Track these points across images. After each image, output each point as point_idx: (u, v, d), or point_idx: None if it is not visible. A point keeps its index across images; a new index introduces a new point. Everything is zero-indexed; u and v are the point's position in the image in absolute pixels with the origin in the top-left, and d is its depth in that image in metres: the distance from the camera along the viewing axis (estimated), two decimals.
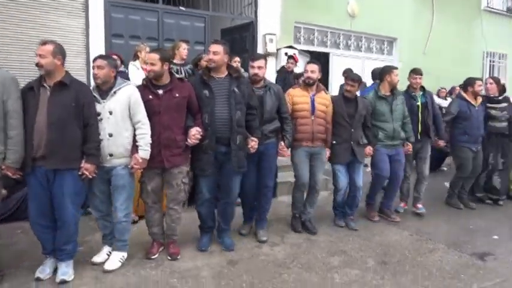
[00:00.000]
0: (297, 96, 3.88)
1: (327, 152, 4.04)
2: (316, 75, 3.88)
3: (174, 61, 5.14)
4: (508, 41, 10.77)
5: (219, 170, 3.41)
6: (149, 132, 3.04)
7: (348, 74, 4.50)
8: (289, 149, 3.85)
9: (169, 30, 6.19)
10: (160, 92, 3.13)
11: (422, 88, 4.61)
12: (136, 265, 3.20)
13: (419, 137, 4.54)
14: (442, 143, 4.76)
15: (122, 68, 5.23)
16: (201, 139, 3.20)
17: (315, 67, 3.89)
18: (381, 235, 4.08)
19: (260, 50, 6.91)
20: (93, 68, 2.95)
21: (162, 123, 3.10)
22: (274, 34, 6.91)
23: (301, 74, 6.66)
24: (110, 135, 2.93)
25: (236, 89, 3.28)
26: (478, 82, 4.91)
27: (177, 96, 3.14)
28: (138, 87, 3.15)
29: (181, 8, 6.30)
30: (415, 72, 4.58)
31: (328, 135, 4.00)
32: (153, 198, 3.28)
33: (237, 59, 5.71)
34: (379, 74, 4.41)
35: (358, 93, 4.34)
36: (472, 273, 3.28)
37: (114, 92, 2.97)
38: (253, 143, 3.38)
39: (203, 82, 3.28)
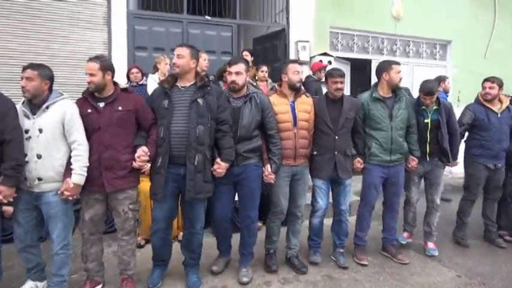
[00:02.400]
0: (276, 105, 3.18)
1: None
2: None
3: None
4: None
5: (180, 194, 2.93)
6: (86, 154, 2.66)
7: (330, 70, 3.62)
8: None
9: (195, 41, 5.88)
10: (101, 105, 2.73)
11: (438, 101, 3.64)
12: None
13: (427, 159, 3.66)
14: (455, 163, 3.82)
15: (143, 81, 5.07)
16: (153, 158, 2.77)
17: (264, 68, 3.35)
18: (420, 274, 3.36)
19: (292, 58, 6.41)
20: (22, 79, 2.59)
21: (103, 141, 2.69)
22: (308, 41, 6.38)
23: None
24: (39, 156, 2.56)
25: (200, 100, 2.79)
26: (487, 83, 3.86)
27: (119, 110, 2.72)
28: (78, 100, 2.78)
29: (206, 17, 6.02)
30: (424, 92, 3.55)
31: (309, 146, 3.32)
32: (91, 229, 2.82)
33: (264, 68, 5.30)
34: (376, 72, 3.59)
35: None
36: None
37: (47, 107, 2.60)
38: (217, 167, 2.85)
39: (164, 91, 2.86)
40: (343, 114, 3.30)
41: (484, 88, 3.89)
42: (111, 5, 5.36)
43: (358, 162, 3.43)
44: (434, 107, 3.63)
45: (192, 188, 2.78)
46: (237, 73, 3.00)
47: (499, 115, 3.84)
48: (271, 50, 6.74)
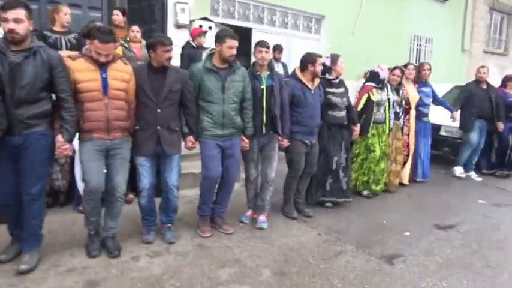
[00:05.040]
0: (79, 72, 2.73)
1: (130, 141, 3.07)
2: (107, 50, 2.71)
3: (54, 28, 4.27)
4: (434, 26, 10.84)
5: None
6: None
7: (159, 37, 3.18)
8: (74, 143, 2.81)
9: None
10: None
11: (270, 67, 3.57)
12: None
13: (264, 130, 3.57)
14: (285, 142, 3.71)
15: None
16: None
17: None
18: (286, 236, 3.58)
19: (171, 20, 6.08)
20: None
21: None
22: (187, 3, 6.10)
23: None
24: None
25: None
26: (319, 60, 3.82)
27: None
28: None
29: None
30: (259, 44, 3.50)
31: (129, 119, 3.01)
32: None
33: (135, 28, 4.88)
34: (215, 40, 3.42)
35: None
36: (377, 281, 2.88)
37: None
38: None
39: None
40: (166, 85, 3.01)
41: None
42: None
43: (190, 142, 3.24)
44: (268, 73, 3.55)
45: None
46: (16, 20, 2.43)
47: (312, 92, 3.83)
48: (148, 10, 6.27)
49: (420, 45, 10.90)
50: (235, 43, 3.23)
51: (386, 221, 4.06)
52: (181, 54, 5.34)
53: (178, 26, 6.09)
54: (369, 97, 4.50)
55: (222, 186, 3.56)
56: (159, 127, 3.03)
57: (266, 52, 3.46)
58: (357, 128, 4.31)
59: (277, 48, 6.42)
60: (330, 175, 4.22)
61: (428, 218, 4.18)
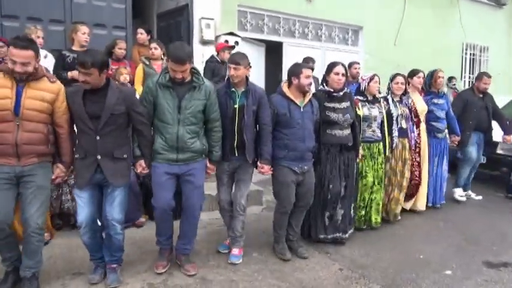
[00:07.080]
0: None
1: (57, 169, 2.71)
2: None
3: (73, 48, 4.27)
4: (489, 33, 9.90)
5: None
6: None
7: (79, 55, 2.88)
8: None
9: (79, 12, 5.20)
10: None
11: (246, 83, 3.11)
12: None
13: (236, 153, 3.11)
14: (266, 169, 3.15)
15: None
16: None
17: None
18: (302, 270, 3.15)
19: (196, 36, 5.95)
20: None
21: None
22: (212, 19, 5.94)
23: None
24: None
25: None
26: (306, 72, 3.18)
27: None
28: None
29: None
30: (229, 59, 3.11)
31: (64, 145, 2.69)
32: None
33: (153, 45, 4.72)
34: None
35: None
36: None
37: None
38: None
39: None
40: (106, 109, 2.61)
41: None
42: None
43: (140, 166, 2.87)
44: (243, 90, 3.08)
45: None
46: None
47: (302, 109, 3.21)
48: (175, 27, 6.22)
49: (474, 55, 9.98)
50: (178, 67, 2.72)
51: (423, 255, 3.47)
52: (204, 68, 5.16)
53: (204, 42, 5.93)
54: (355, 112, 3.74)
55: (183, 218, 3.08)
56: (99, 156, 2.66)
57: (235, 69, 3.01)
58: (359, 152, 3.68)
59: (310, 61, 6.04)
60: (325, 207, 3.56)
61: (476, 252, 3.54)
